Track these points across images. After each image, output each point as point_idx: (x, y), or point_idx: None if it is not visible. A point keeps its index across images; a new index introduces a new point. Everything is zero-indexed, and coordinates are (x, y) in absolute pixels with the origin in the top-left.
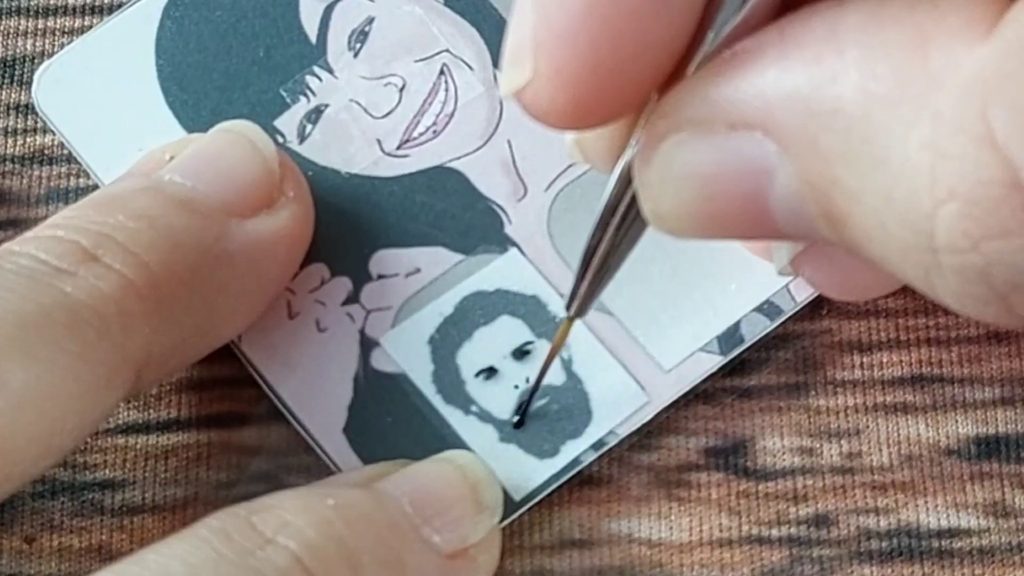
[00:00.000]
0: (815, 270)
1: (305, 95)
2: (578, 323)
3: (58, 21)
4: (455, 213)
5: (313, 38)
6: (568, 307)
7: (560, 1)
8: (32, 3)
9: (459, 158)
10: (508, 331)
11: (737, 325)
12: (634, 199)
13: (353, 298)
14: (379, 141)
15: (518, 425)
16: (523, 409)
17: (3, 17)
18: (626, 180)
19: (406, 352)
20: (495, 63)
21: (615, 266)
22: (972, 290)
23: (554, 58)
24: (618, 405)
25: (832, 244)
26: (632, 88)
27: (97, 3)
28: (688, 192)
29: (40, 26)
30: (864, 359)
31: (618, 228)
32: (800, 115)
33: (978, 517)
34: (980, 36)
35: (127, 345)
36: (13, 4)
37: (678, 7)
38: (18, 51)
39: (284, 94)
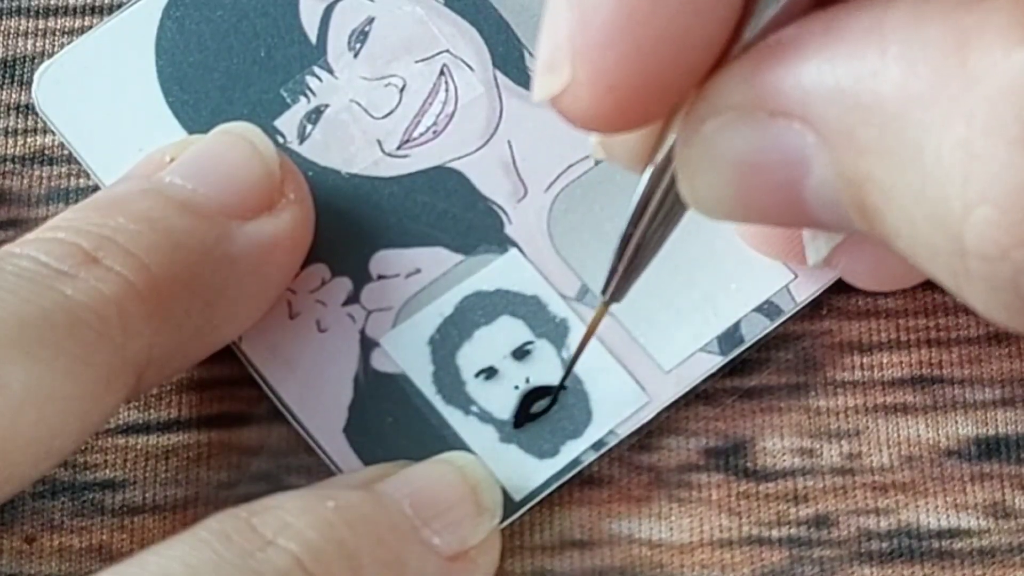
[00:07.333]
0: (852, 261)
1: (305, 95)
2: (578, 324)
3: (58, 21)
4: (455, 213)
5: (313, 38)
6: (604, 291)
7: (597, 3)
8: (32, 3)
9: (459, 158)
10: (508, 331)
11: (737, 325)
12: (670, 187)
13: (353, 298)
14: (379, 141)
15: (518, 425)
16: (550, 402)
17: (3, 17)
18: (662, 169)
19: (406, 352)
20: (495, 63)
21: (651, 254)
22: (1000, 298)
23: (594, 63)
24: (618, 405)
25: (865, 235)
26: (673, 89)
27: (97, 3)
28: (726, 175)
29: (40, 26)
30: (864, 360)
31: (654, 215)
32: (839, 107)
33: (978, 518)
34: (1020, 39)
35: (128, 347)
36: (13, 4)
37: (720, 2)
38: (18, 51)
39: (284, 94)
